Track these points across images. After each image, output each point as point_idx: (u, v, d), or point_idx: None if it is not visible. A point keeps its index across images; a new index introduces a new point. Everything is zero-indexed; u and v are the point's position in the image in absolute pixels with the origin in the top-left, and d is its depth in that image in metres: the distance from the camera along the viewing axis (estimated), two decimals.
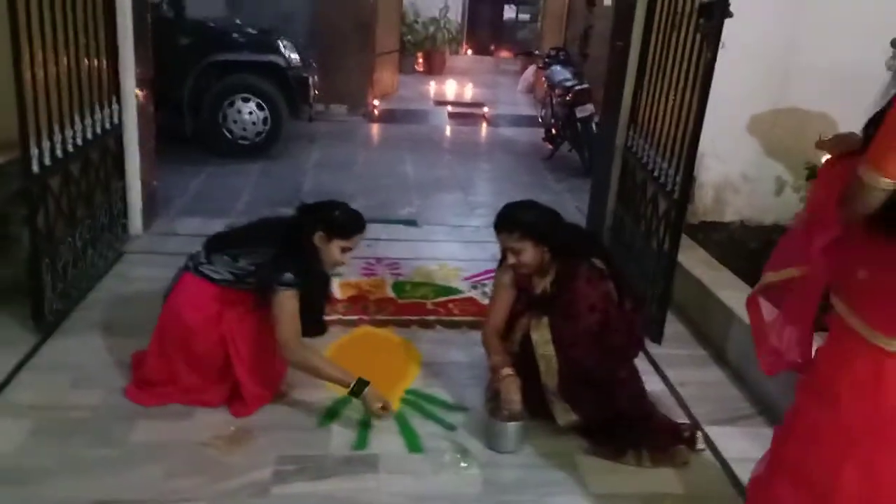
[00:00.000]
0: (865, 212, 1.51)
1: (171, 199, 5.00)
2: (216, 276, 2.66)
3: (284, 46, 6.64)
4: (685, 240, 3.47)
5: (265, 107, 6.42)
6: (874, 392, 1.60)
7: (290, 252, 2.62)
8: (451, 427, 2.67)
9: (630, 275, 3.50)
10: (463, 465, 2.47)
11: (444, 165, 6.94)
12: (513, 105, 10.52)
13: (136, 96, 3.97)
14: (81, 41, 3.28)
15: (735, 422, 2.83)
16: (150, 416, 2.58)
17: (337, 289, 3.73)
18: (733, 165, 4.12)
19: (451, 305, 3.65)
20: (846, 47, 3.64)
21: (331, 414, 2.68)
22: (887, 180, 1.45)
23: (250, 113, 6.41)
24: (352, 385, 2.58)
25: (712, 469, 2.54)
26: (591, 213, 4.65)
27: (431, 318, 3.51)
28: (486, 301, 3.62)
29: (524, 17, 16.09)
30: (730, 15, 2.93)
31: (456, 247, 4.56)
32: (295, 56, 6.69)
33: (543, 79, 8.12)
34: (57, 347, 2.99)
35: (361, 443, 2.54)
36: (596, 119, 6.33)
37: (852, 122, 1.80)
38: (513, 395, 2.59)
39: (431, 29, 13.04)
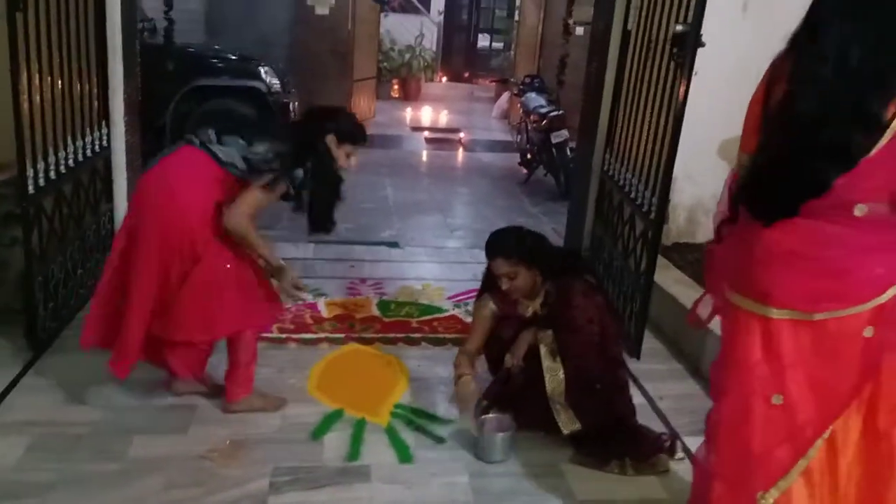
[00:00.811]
0: (737, 187, 1.84)
1: None
2: (226, 159, 2.50)
3: (265, 72, 6.75)
4: (660, 260, 3.60)
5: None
6: (765, 350, 1.82)
7: (307, 148, 2.61)
8: (440, 439, 2.75)
9: (609, 293, 3.63)
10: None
11: (423, 189, 7.06)
12: (488, 130, 10.70)
13: (125, 120, 4.03)
14: (74, 66, 3.35)
15: None
16: (147, 431, 2.63)
17: (323, 308, 3.82)
18: (705, 188, 4.28)
19: (435, 323, 3.75)
20: None
21: (322, 427, 2.75)
22: (744, 154, 1.78)
23: None
24: (278, 265, 2.67)
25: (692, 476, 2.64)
26: (570, 233, 4.78)
27: (417, 335, 3.59)
28: (469, 319, 3.73)
29: (497, 45, 16.40)
30: (702, 44, 3.09)
31: (437, 267, 4.66)
32: (275, 81, 6.81)
33: (519, 105, 8.30)
34: (51, 365, 3.03)
35: (354, 454, 2.61)
36: (571, 144, 6.50)
37: None
38: (466, 394, 2.78)
39: (407, 56, 13.25)
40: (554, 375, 2.68)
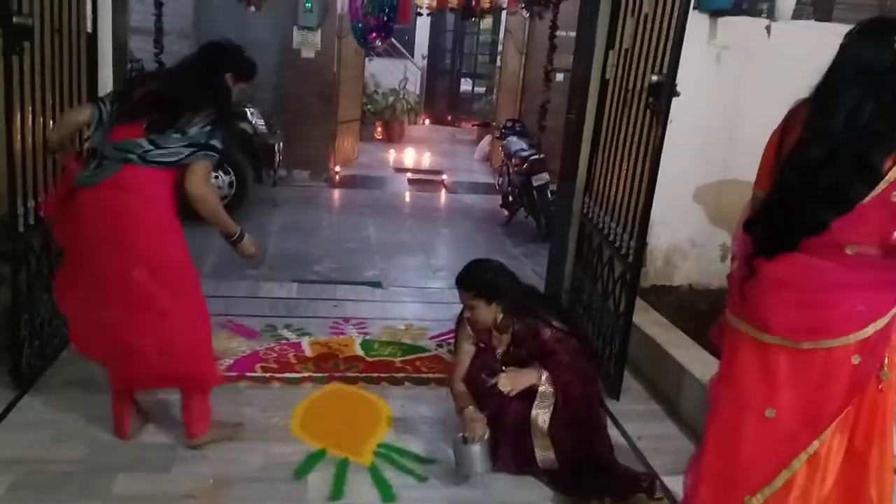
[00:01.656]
0: (747, 221, 2.07)
1: None
2: (173, 159, 2.57)
3: (251, 113, 6.85)
4: (639, 302, 3.68)
5: (231, 171, 6.58)
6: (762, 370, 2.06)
7: (219, 97, 2.70)
8: (422, 478, 2.78)
9: (588, 333, 3.69)
10: None
11: (406, 230, 7.14)
12: (470, 172, 10.83)
13: None
14: (66, 106, 3.41)
15: None
16: (131, 469, 2.64)
17: (307, 347, 3.86)
18: (682, 232, 4.39)
19: (418, 363, 3.79)
20: None
21: (306, 467, 2.77)
22: (757, 190, 2.04)
23: (216, 177, 6.54)
24: (237, 233, 2.74)
25: None
26: (551, 275, 4.85)
27: (400, 374, 3.63)
28: (451, 360, 3.78)
29: (480, 90, 16.65)
30: (676, 94, 3.21)
31: (420, 307, 4.71)
32: (261, 122, 6.91)
33: (500, 148, 8.44)
34: (35, 403, 3.03)
35: (337, 493, 2.63)
36: (552, 187, 6.62)
37: None
38: (476, 421, 2.76)
39: (391, 99, 13.43)
40: (544, 399, 2.74)
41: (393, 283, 5.22)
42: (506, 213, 7.65)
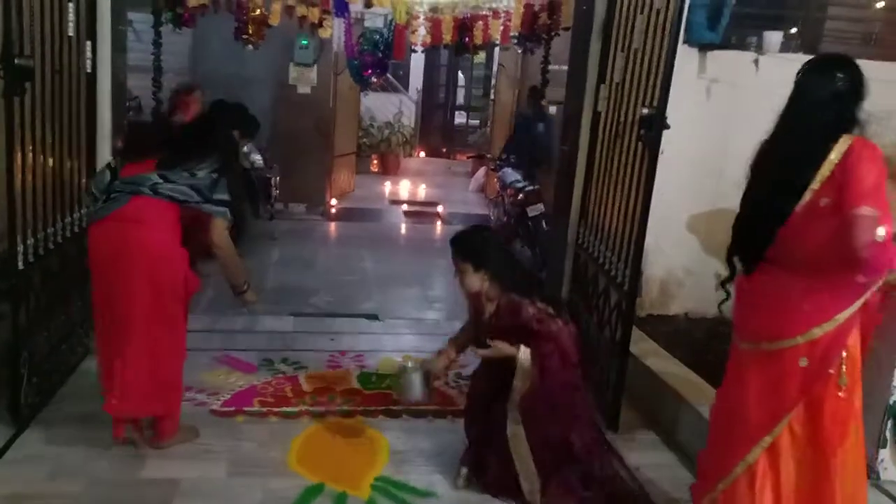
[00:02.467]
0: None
1: None
2: (181, 197, 2.78)
3: (248, 148, 6.90)
4: (635, 332, 3.70)
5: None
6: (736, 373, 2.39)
7: (226, 152, 2.95)
8: None
9: (586, 362, 3.70)
10: None
11: (402, 262, 7.17)
12: (465, 204, 10.88)
13: None
14: (65, 145, 3.46)
15: (688, 502, 2.99)
16: None
17: (304, 381, 3.86)
18: (676, 261, 4.43)
19: None
20: None
21: (303, 501, 2.77)
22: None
23: None
24: (245, 285, 3.14)
25: None
26: None
27: (398, 407, 3.63)
28: (450, 392, 3.80)
29: (474, 122, 16.80)
30: (667, 126, 3.27)
31: (417, 339, 4.73)
32: (258, 157, 6.97)
33: (495, 180, 8.51)
34: (34, 439, 3.04)
35: None
36: (546, 218, 6.67)
37: None
38: (440, 355, 3.07)
39: (386, 132, 13.54)
40: (523, 371, 2.76)
41: (390, 315, 5.24)
42: None
